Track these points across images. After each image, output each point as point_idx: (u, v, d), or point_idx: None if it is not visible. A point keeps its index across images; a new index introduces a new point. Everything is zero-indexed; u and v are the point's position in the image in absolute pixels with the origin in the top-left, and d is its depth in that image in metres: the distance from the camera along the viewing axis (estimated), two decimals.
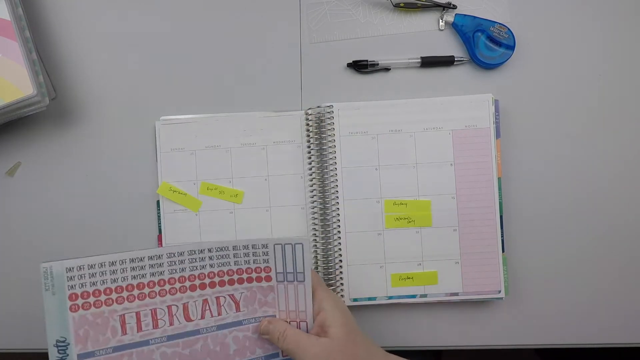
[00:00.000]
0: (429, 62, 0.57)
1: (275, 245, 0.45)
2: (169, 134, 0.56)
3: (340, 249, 0.54)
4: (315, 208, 0.55)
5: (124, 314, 0.43)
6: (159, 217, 0.57)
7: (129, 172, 0.58)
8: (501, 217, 0.54)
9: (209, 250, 0.44)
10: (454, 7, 0.57)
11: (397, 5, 0.57)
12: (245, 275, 0.45)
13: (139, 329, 0.43)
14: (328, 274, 0.55)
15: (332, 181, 0.55)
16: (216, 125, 0.56)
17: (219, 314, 0.45)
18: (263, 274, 0.46)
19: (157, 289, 0.43)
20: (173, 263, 0.44)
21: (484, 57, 0.56)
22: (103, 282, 0.42)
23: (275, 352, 0.47)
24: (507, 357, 0.77)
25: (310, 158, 0.55)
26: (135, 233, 0.57)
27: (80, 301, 0.42)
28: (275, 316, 0.46)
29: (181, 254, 0.44)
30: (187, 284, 0.44)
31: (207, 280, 0.45)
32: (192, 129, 0.56)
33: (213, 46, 0.58)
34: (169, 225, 0.56)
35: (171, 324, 0.44)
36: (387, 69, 0.57)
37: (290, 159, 0.56)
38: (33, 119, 0.58)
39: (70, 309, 0.42)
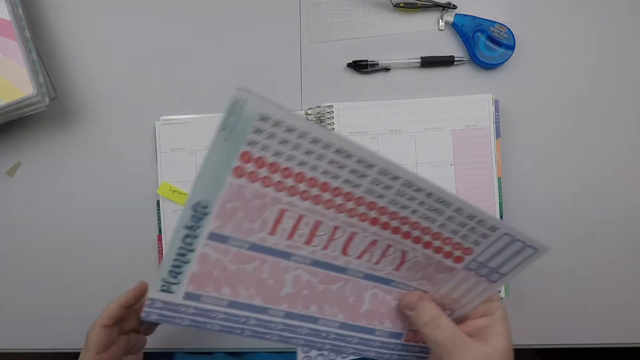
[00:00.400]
0: (429, 62, 0.57)
1: (505, 235, 0.34)
2: (169, 134, 0.57)
3: None
4: None
5: (285, 210, 0.31)
6: (159, 217, 0.57)
7: (129, 172, 0.58)
8: (501, 217, 0.54)
9: (428, 195, 0.32)
10: (454, 7, 0.57)
11: (397, 5, 0.57)
12: (437, 243, 0.35)
13: (290, 235, 0.33)
14: None
15: None
16: (216, 125, 0.56)
17: (376, 263, 0.36)
18: (457, 253, 0.35)
19: (338, 200, 0.32)
20: (378, 182, 0.31)
21: (484, 57, 0.56)
22: (290, 157, 0.29)
23: (400, 333, 0.39)
24: None
25: None
26: (135, 233, 0.57)
27: (249, 167, 0.29)
28: (426, 293, 0.38)
29: (395, 178, 0.31)
30: (372, 214, 0.33)
31: (394, 223, 0.33)
32: (192, 129, 0.56)
33: (213, 46, 0.58)
34: (169, 225, 0.56)
35: (325, 247, 0.34)
36: (387, 69, 0.57)
37: None
38: (33, 119, 0.58)
39: (234, 171, 0.29)
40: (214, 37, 0.58)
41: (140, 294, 0.45)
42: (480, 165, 0.54)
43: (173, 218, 0.56)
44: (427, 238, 0.35)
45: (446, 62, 0.57)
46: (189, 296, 0.32)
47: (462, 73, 0.57)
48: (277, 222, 0.32)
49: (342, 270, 0.35)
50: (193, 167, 0.56)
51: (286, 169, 0.30)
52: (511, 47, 0.55)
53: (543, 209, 0.56)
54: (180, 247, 0.31)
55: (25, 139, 0.58)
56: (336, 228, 0.33)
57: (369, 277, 0.36)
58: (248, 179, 0.30)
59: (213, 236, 0.31)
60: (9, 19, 0.53)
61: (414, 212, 0.33)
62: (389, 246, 0.35)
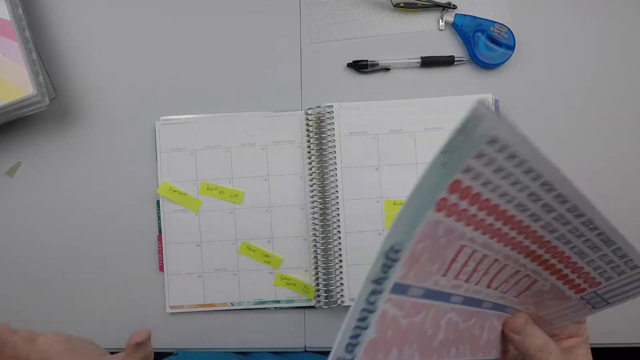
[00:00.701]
0: (429, 62, 0.57)
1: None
2: (169, 134, 0.57)
3: (340, 249, 0.54)
4: (315, 208, 0.55)
5: (464, 246, 0.26)
6: (159, 217, 0.57)
7: (129, 172, 0.58)
8: None
9: (599, 234, 0.29)
10: (454, 7, 0.57)
11: (397, 5, 0.57)
12: (567, 271, 0.30)
13: (457, 275, 0.27)
14: (328, 273, 0.55)
15: (332, 181, 0.55)
16: (216, 125, 0.56)
17: (506, 292, 0.32)
18: (584, 285, 0.32)
19: (512, 234, 0.27)
20: (559, 218, 0.27)
21: (484, 57, 0.56)
22: (494, 189, 0.23)
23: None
24: None
25: (310, 158, 0.55)
26: (135, 233, 0.57)
27: (452, 199, 0.22)
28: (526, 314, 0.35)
29: (580, 216, 0.27)
30: (532, 247, 0.28)
31: (547, 255, 0.29)
32: (192, 129, 0.56)
33: (213, 46, 0.58)
34: (169, 225, 0.56)
35: (477, 283, 0.29)
36: (387, 69, 0.57)
37: (290, 159, 0.56)
38: (33, 119, 0.58)
39: (438, 203, 0.22)
40: (214, 37, 0.58)
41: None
42: None
43: (173, 218, 0.56)
44: (561, 266, 0.30)
45: (446, 62, 0.57)
46: None
47: (462, 73, 0.57)
48: (453, 260, 0.26)
49: (478, 303, 0.30)
50: (193, 167, 0.56)
51: (487, 201, 0.24)
52: (511, 47, 0.55)
53: None
54: (363, 310, 0.22)
55: (25, 139, 0.58)
56: (495, 261, 0.28)
57: (496, 306, 0.32)
58: (446, 212, 0.23)
59: (396, 288, 0.23)
60: (9, 19, 0.53)
61: (572, 247, 0.29)
62: (526, 276, 0.31)
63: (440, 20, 0.57)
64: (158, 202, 0.57)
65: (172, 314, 0.55)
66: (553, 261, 0.30)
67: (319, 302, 0.55)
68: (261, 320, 0.57)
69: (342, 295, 0.55)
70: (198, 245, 0.56)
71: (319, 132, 0.55)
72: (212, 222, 0.56)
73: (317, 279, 0.55)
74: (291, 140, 0.56)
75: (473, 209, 0.24)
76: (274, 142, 0.56)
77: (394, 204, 0.54)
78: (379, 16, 0.58)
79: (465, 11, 0.57)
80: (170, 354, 0.56)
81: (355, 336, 0.23)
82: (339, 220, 0.54)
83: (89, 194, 0.58)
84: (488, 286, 0.30)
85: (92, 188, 0.58)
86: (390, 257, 0.22)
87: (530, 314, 0.35)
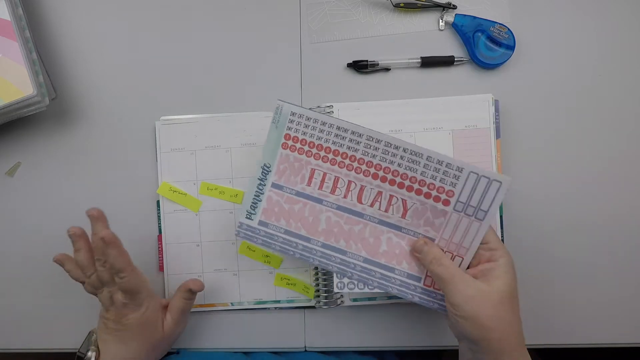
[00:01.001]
0: (429, 62, 0.57)
1: (471, 173, 0.44)
2: (169, 134, 0.56)
3: None
4: None
5: (314, 169, 0.48)
6: (159, 217, 0.57)
7: (129, 172, 0.58)
8: (501, 217, 0.54)
9: (404, 150, 0.45)
10: (454, 7, 0.57)
11: (397, 5, 0.57)
12: (425, 189, 0.46)
13: (320, 187, 0.48)
14: (328, 274, 0.54)
15: None
16: (216, 125, 0.56)
17: (386, 211, 0.47)
18: (443, 196, 0.46)
19: (347, 162, 0.47)
20: (369, 146, 0.46)
21: (484, 57, 0.56)
22: (311, 135, 0.47)
23: (418, 277, 0.48)
24: None
25: None
26: (135, 233, 0.57)
27: (290, 142, 0.48)
28: (434, 240, 0.47)
29: (378, 141, 0.46)
30: (372, 170, 0.47)
31: (389, 176, 0.46)
32: (192, 129, 0.56)
33: (213, 46, 0.58)
34: (169, 225, 0.56)
35: (345, 196, 0.48)
36: (387, 69, 0.57)
37: None
38: (33, 119, 0.58)
39: (282, 145, 0.48)
40: (214, 37, 0.58)
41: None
42: (481, 165, 0.54)
43: (173, 218, 0.56)
44: (416, 186, 0.46)
45: (446, 62, 0.57)
46: (261, 223, 0.49)
47: (462, 73, 0.57)
48: (310, 177, 0.48)
49: (360, 215, 0.48)
50: (193, 167, 0.56)
51: (311, 142, 0.47)
52: (511, 47, 0.55)
53: (543, 208, 0.56)
54: (256, 191, 0.49)
55: (25, 139, 0.58)
56: (350, 182, 0.48)
57: (382, 222, 0.48)
58: (290, 150, 0.48)
59: (274, 185, 0.49)
60: (9, 19, 0.53)
61: (399, 165, 0.46)
62: (391, 196, 0.47)
63: (440, 21, 0.57)
64: (158, 202, 0.56)
65: None
66: (398, 180, 0.46)
67: (318, 302, 0.55)
68: (261, 320, 0.57)
69: (341, 296, 0.55)
70: (198, 245, 0.56)
71: None
72: (212, 222, 0.56)
73: (317, 279, 0.55)
74: None
75: (306, 147, 0.48)
76: None
77: None
78: (379, 16, 0.58)
79: (465, 11, 0.57)
80: (171, 352, 0.56)
81: (255, 203, 0.49)
82: None
83: (89, 194, 0.58)
84: (359, 201, 0.48)
85: (92, 188, 0.58)
86: (264, 169, 0.48)
87: (439, 241, 0.47)
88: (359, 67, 0.57)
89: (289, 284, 0.56)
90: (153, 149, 0.57)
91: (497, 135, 0.54)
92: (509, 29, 0.56)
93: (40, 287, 0.58)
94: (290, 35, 0.58)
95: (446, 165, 0.45)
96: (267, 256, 0.56)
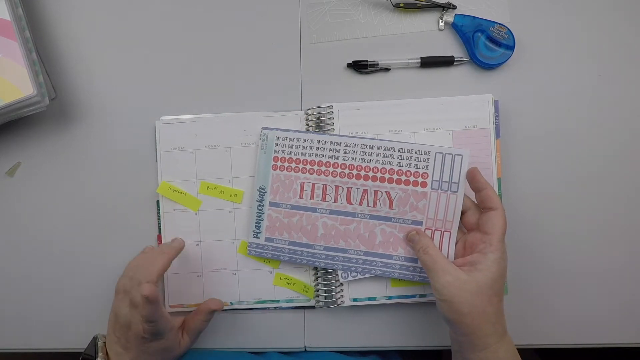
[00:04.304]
0: (429, 62, 0.57)
1: (437, 154, 0.51)
2: (169, 133, 0.57)
3: None
4: None
5: (303, 182, 0.53)
6: (159, 216, 0.57)
7: (129, 172, 0.58)
8: None
9: (378, 148, 0.52)
10: (454, 7, 0.57)
11: (397, 6, 0.57)
12: (403, 177, 0.51)
13: (312, 197, 0.53)
14: (328, 273, 0.55)
15: None
16: (216, 125, 0.56)
17: (374, 206, 0.52)
18: (420, 179, 0.51)
19: (330, 169, 0.52)
20: (347, 151, 0.52)
21: (484, 57, 0.56)
22: (296, 153, 0.53)
23: (415, 258, 0.51)
24: None
25: None
26: (135, 232, 0.57)
27: (279, 163, 0.53)
28: (422, 222, 0.51)
29: (355, 145, 0.52)
30: (354, 172, 0.52)
31: (370, 174, 0.52)
32: (192, 128, 0.56)
33: (213, 46, 0.58)
34: (169, 225, 0.56)
35: (335, 201, 0.53)
36: (387, 69, 0.57)
37: None
38: (33, 119, 0.58)
39: (272, 167, 0.53)
40: (214, 37, 0.58)
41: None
42: (480, 165, 0.54)
43: (173, 217, 0.56)
44: (395, 176, 0.52)
45: (446, 62, 0.57)
46: (267, 239, 0.54)
47: (462, 73, 0.57)
48: (301, 190, 0.53)
49: (352, 214, 0.53)
50: (193, 166, 0.56)
51: (297, 159, 0.53)
52: (511, 47, 0.55)
53: (542, 208, 0.56)
54: (257, 212, 0.54)
55: (25, 139, 0.58)
56: (337, 187, 0.53)
57: (373, 217, 0.52)
58: (279, 169, 0.54)
59: (271, 204, 0.54)
60: (9, 19, 0.53)
61: (377, 162, 0.52)
62: (376, 192, 0.52)
63: (440, 21, 0.57)
64: (158, 201, 0.56)
65: (171, 313, 0.55)
66: (379, 175, 0.52)
67: (318, 302, 0.55)
68: (261, 320, 0.57)
69: (341, 296, 0.55)
70: (198, 245, 0.56)
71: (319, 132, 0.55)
72: (212, 222, 0.56)
73: (316, 279, 0.55)
74: None
75: (293, 165, 0.53)
76: None
77: None
78: (379, 16, 0.58)
79: (465, 11, 0.57)
80: None
81: (258, 223, 0.54)
82: None
83: (89, 193, 0.58)
84: (349, 202, 0.53)
85: (92, 188, 0.58)
86: (260, 191, 0.54)
87: (426, 222, 0.51)
88: (359, 67, 0.57)
89: (288, 283, 0.56)
90: (153, 148, 0.57)
91: (497, 135, 0.54)
92: (509, 29, 0.56)
93: (41, 287, 0.58)
94: (290, 35, 0.58)
95: (415, 152, 0.51)
96: None
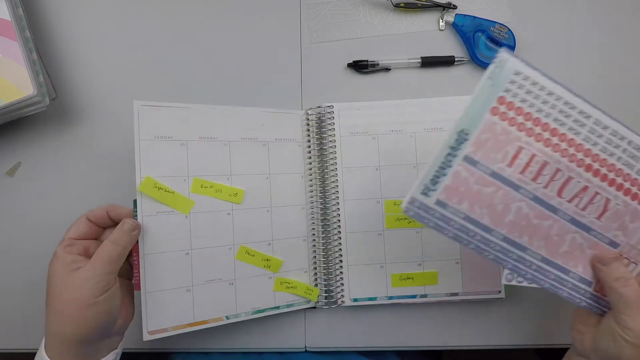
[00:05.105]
0: (429, 62, 0.57)
1: None
2: (151, 118, 0.48)
3: (340, 249, 0.54)
4: (316, 208, 0.55)
5: (522, 147, 0.38)
6: (135, 217, 0.48)
7: (129, 172, 0.57)
8: None
9: (629, 143, 0.40)
10: (454, 7, 0.57)
11: (397, 5, 0.57)
12: (635, 190, 0.41)
13: (523, 170, 0.39)
14: (328, 274, 0.55)
15: (333, 181, 0.55)
16: (213, 114, 0.51)
17: (583, 209, 0.41)
18: None
19: (563, 145, 0.39)
20: (593, 131, 0.39)
21: (484, 57, 0.56)
22: (531, 105, 0.38)
23: (590, 281, 0.43)
24: (507, 357, 0.77)
25: (310, 158, 0.55)
26: None
27: (502, 108, 0.37)
28: (620, 246, 0.42)
29: (605, 127, 0.39)
30: (587, 160, 0.40)
31: (603, 170, 0.40)
32: (181, 114, 0.49)
33: (213, 47, 0.58)
34: (149, 231, 0.47)
35: (545, 186, 0.40)
36: (387, 69, 0.57)
37: (292, 157, 0.55)
38: (33, 119, 0.58)
39: (492, 110, 0.37)
40: (214, 37, 0.58)
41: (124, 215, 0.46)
42: None
43: (155, 223, 0.47)
44: (627, 185, 0.41)
45: (446, 62, 0.57)
46: (438, 203, 0.38)
47: (462, 73, 0.57)
48: (515, 157, 0.38)
49: (554, 210, 0.41)
50: (184, 160, 0.49)
51: (528, 113, 0.38)
52: (511, 47, 0.55)
53: None
54: (442, 162, 0.38)
55: (25, 139, 0.58)
56: (557, 170, 0.39)
57: (573, 221, 0.41)
58: (500, 117, 0.37)
59: (467, 158, 0.38)
60: (9, 19, 0.53)
61: (618, 159, 0.40)
62: (596, 194, 0.41)
63: (441, 21, 0.57)
64: (135, 201, 0.48)
65: (151, 341, 0.47)
66: (612, 175, 0.40)
67: (319, 302, 0.55)
68: (261, 321, 0.57)
69: (342, 296, 0.55)
70: (187, 254, 0.49)
71: (319, 132, 0.55)
72: (205, 226, 0.49)
73: (316, 279, 0.55)
74: (292, 139, 0.55)
75: (520, 119, 0.37)
76: (276, 139, 0.54)
77: (394, 204, 0.54)
78: (379, 16, 0.58)
79: (466, 11, 0.57)
80: (169, 354, 0.56)
81: (437, 177, 0.37)
82: (339, 220, 0.54)
83: (89, 194, 0.58)
84: (559, 195, 0.40)
85: (93, 188, 0.58)
86: (461, 136, 0.37)
87: (624, 247, 0.42)
88: (359, 67, 0.57)
89: (289, 287, 0.54)
90: None
91: None
92: (509, 29, 0.56)
93: (41, 287, 0.58)
94: (290, 35, 0.58)
95: None
96: (267, 260, 0.52)
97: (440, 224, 0.39)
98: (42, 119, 0.58)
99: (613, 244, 0.42)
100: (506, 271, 0.43)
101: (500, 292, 0.54)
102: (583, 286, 0.43)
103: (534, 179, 0.39)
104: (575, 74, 0.57)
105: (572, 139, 0.39)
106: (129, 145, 0.58)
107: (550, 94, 0.38)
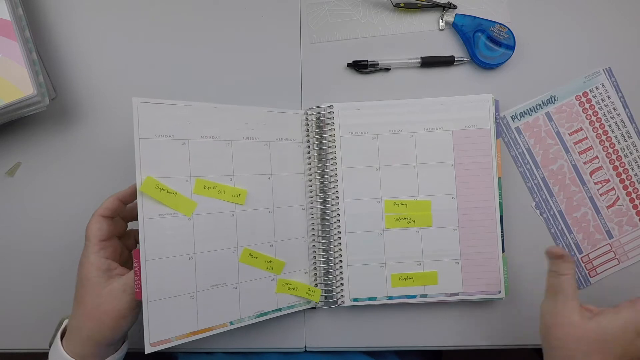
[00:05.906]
0: (429, 62, 0.57)
1: None
2: (152, 116, 0.46)
3: (340, 249, 0.54)
4: (315, 208, 0.55)
5: (581, 128, 0.55)
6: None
7: (129, 172, 0.57)
8: (501, 217, 0.54)
9: None
10: (454, 7, 0.57)
11: (397, 5, 0.57)
12: (634, 195, 0.55)
13: (575, 142, 0.55)
14: (328, 274, 0.54)
15: (333, 181, 0.55)
16: (214, 113, 0.49)
17: (601, 195, 0.55)
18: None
19: (606, 144, 0.55)
20: (629, 147, 0.55)
21: (484, 57, 0.56)
22: (600, 108, 0.56)
23: (582, 250, 0.54)
24: (507, 357, 0.77)
25: (310, 158, 0.55)
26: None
27: (583, 99, 0.56)
28: (613, 237, 0.55)
29: (638, 150, 0.55)
30: (616, 163, 0.55)
31: (623, 175, 0.55)
32: (183, 113, 0.47)
33: (214, 47, 0.58)
34: (152, 235, 0.45)
35: (584, 163, 0.55)
36: (387, 69, 0.57)
37: (293, 157, 0.55)
38: (33, 119, 0.58)
39: (576, 96, 0.55)
40: (214, 37, 0.58)
41: (135, 192, 0.46)
42: (481, 165, 0.54)
43: (157, 225, 0.45)
44: (633, 195, 0.54)
45: (446, 62, 0.57)
46: (517, 129, 0.56)
47: (462, 73, 0.57)
48: (575, 131, 0.55)
49: (582, 182, 0.55)
50: (186, 160, 0.47)
51: (596, 111, 0.55)
52: (511, 47, 0.55)
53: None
54: (533, 107, 0.56)
55: (25, 139, 0.58)
56: (596, 157, 0.54)
57: (592, 200, 0.55)
58: (579, 103, 0.55)
59: (547, 114, 0.56)
60: (9, 19, 0.53)
61: (635, 174, 0.54)
62: (612, 188, 0.54)
63: (440, 21, 0.57)
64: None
65: (155, 353, 0.46)
66: (627, 182, 0.54)
67: (319, 302, 0.55)
68: (262, 322, 0.57)
69: (342, 296, 0.55)
70: (191, 258, 0.47)
71: (319, 132, 0.55)
72: (209, 228, 0.48)
73: (316, 279, 0.55)
74: (293, 139, 0.55)
75: (589, 111, 0.54)
76: (277, 139, 0.54)
77: (394, 204, 0.54)
78: (379, 16, 0.58)
79: (465, 11, 0.57)
80: (170, 355, 0.56)
81: (522, 115, 0.54)
82: (339, 220, 0.54)
83: (89, 194, 0.57)
84: (590, 175, 0.54)
85: (93, 188, 0.58)
86: (552, 98, 0.55)
87: (615, 239, 0.53)
88: (359, 67, 0.57)
89: (290, 289, 0.53)
90: None
91: (497, 135, 0.54)
92: (509, 29, 0.56)
93: (41, 286, 0.58)
94: (290, 35, 0.58)
95: None
96: (270, 262, 0.52)
97: (511, 143, 0.56)
98: (42, 118, 0.58)
99: (609, 234, 0.54)
100: (534, 202, 0.55)
101: (500, 292, 0.54)
102: (575, 250, 0.55)
103: (580, 153, 0.54)
104: (574, 74, 0.57)
105: (613, 144, 0.54)
106: (129, 145, 0.58)
107: (615, 109, 0.54)
